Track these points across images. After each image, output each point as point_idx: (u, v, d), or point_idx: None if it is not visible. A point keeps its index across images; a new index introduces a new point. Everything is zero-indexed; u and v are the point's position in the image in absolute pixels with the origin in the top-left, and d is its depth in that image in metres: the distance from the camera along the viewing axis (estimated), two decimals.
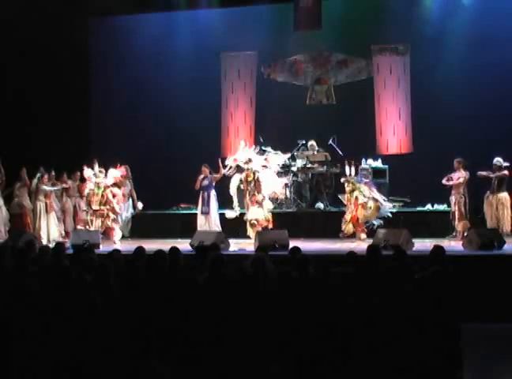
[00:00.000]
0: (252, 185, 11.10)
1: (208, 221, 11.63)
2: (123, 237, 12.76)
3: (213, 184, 11.79)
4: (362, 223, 11.07)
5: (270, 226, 11.02)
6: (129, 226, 13.06)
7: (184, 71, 14.58)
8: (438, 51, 13.66)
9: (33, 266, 5.87)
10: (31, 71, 13.82)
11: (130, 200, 13.17)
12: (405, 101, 14.25)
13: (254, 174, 11.14)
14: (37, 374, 3.43)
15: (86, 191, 11.81)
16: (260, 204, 11.05)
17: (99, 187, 11.65)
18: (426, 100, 13.69)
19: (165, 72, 14.79)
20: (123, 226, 12.96)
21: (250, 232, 10.94)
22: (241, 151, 11.51)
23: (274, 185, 11.41)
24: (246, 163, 11.20)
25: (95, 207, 11.57)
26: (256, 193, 11.05)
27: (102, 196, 11.63)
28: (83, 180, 12.61)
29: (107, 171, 11.94)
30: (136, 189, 13.21)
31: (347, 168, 11.44)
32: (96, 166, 11.78)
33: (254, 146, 11.80)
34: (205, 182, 11.76)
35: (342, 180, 11.43)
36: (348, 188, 11.24)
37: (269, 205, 11.19)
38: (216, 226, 11.58)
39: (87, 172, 11.84)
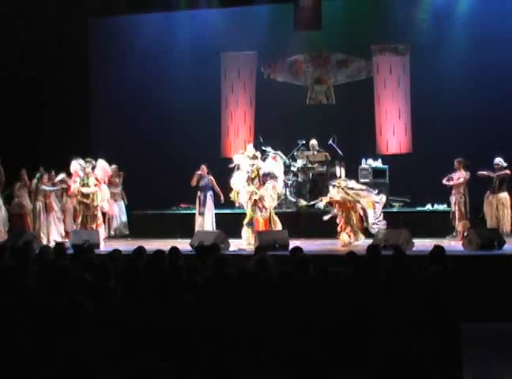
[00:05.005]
0: (256, 182, 11.01)
1: (204, 222, 11.62)
2: (123, 237, 12.79)
3: (210, 185, 11.79)
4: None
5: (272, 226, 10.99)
6: (127, 226, 13.07)
7: (184, 71, 14.58)
8: (438, 51, 13.66)
9: (33, 266, 5.87)
10: (31, 71, 13.82)
11: (122, 201, 13.18)
12: (405, 101, 14.25)
13: (257, 171, 11.04)
14: (37, 374, 3.43)
15: (73, 186, 11.28)
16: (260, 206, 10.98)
17: (88, 177, 11.22)
18: (426, 100, 13.70)
19: (165, 72, 14.79)
20: (121, 227, 12.97)
21: (247, 234, 10.93)
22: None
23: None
24: (252, 158, 11.13)
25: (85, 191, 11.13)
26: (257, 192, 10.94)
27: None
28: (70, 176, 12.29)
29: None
30: (136, 189, 13.22)
31: (337, 169, 11.21)
32: (80, 160, 11.43)
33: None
34: (203, 183, 11.77)
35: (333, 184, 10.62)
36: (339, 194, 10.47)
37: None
38: (211, 226, 11.56)
39: (74, 165, 11.39)
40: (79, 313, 3.75)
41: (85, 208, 11.24)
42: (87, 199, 11.20)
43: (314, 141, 13.05)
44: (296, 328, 4.05)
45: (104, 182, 11.59)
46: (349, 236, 10.31)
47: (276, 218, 11.07)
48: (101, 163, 11.59)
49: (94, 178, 11.28)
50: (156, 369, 2.68)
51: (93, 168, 11.40)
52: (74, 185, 11.33)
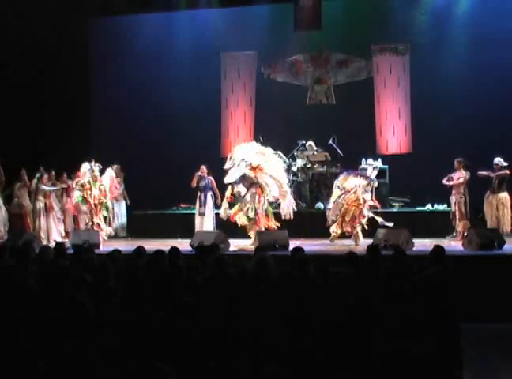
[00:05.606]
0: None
1: (204, 222, 11.62)
2: (122, 237, 12.79)
3: (210, 186, 11.79)
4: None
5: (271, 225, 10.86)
6: (125, 227, 13.09)
7: (184, 71, 14.59)
8: (438, 51, 13.67)
9: (33, 266, 5.87)
10: (31, 71, 13.83)
11: (124, 201, 13.19)
12: (405, 101, 14.25)
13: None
14: (37, 374, 3.43)
15: (80, 181, 11.39)
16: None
17: (95, 181, 11.39)
18: (426, 100, 13.71)
19: (165, 72, 14.80)
20: (119, 228, 12.97)
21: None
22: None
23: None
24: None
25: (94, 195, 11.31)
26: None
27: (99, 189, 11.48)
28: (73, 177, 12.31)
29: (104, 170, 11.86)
30: (136, 189, 13.22)
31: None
32: (93, 162, 11.55)
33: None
34: (203, 183, 11.77)
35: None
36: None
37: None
38: (211, 226, 11.55)
39: (85, 166, 11.51)
40: (79, 313, 3.75)
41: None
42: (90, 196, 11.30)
43: (310, 142, 13.00)
44: (296, 328, 4.05)
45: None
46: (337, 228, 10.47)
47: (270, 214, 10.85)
48: (110, 172, 11.82)
49: (104, 189, 11.51)
50: (156, 369, 2.67)
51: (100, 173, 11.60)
52: (83, 180, 11.36)
